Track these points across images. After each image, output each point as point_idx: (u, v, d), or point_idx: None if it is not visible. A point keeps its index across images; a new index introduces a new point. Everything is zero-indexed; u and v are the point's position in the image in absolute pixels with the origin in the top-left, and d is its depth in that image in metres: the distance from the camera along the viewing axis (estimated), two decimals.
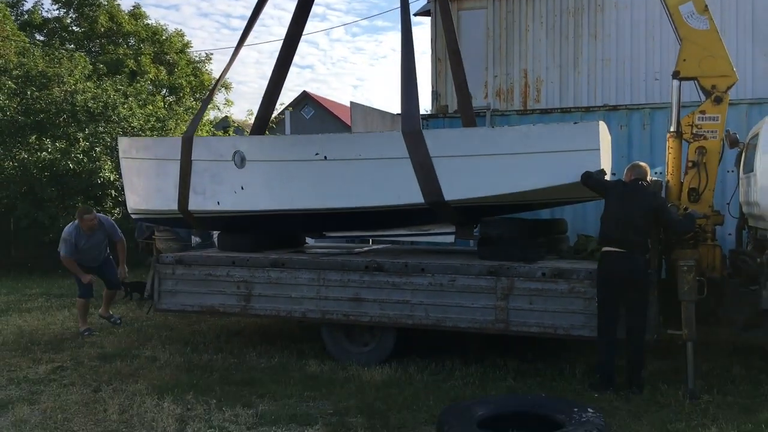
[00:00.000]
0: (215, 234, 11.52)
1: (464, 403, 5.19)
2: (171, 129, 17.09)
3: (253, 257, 7.69)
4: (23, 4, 24.61)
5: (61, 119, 15.46)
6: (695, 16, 6.85)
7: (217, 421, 5.60)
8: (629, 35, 11.53)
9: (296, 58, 7.77)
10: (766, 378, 6.44)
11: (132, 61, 23.13)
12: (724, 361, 7.06)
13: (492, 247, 7.12)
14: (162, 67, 24.11)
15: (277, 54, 8.49)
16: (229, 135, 21.16)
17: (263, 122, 8.82)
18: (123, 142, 8.91)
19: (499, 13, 12.07)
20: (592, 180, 6.39)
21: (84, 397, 6.29)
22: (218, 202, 7.89)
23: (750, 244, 7.46)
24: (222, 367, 7.22)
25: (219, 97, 24.79)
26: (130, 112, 16.15)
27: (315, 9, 8.49)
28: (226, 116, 26.59)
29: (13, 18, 22.72)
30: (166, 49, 24.84)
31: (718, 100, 6.79)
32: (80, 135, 14.96)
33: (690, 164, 6.82)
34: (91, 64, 19.28)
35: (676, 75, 6.96)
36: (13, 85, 15.79)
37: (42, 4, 23.83)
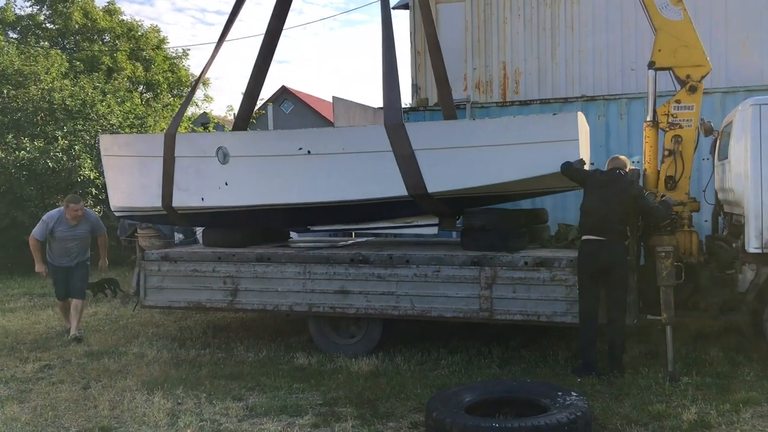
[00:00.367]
0: (198, 230, 11.57)
1: (451, 390, 5.28)
2: (150, 126, 17.01)
3: (239, 252, 7.74)
4: None
5: (38, 118, 15.35)
6: (669, 8, 7.02)
7: (208, 415, 5.66)
8: (605, 26, 11.69)
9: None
10: (743, 360, 6.62)
11: (108, 57, 22.92)
12: (701, 344, 7.25)
13: (475, 238, 7.23)
14: (138, 64, 23.90)
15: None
16: (208, 131, 21.09)
17: (245, 118, 8.84)
18: (104, 140, 8.89)
19: (477, 5, 12.16)
20: (572, 170, 6.52)
21: (73, 394, 6.32)
22: (202, 198, 7.92)
23: (726, 229, 7.66)
24: (210, 362, 7.28)
25: (198, 93, 24.66)
26: (109, 109, 16.06)
27: (293, 3, 8.50)
28: (205, 112, 26.48)
29: None
30: (142, 46, 24.63)
31: (693, 90, 6.96)
32: (59, 133, 14.86)
33: (666, 152, 7.00)
34: (67, 61, 19.09)
35: (651, 65, 7.12)
36: None
37: (15, 1, 23.52)
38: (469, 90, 12.10)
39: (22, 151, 14.31)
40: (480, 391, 5.25)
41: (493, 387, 5.40)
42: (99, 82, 17.15)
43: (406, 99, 14.15)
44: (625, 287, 6.38)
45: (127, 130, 16.10)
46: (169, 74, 24.86)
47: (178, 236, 12.17)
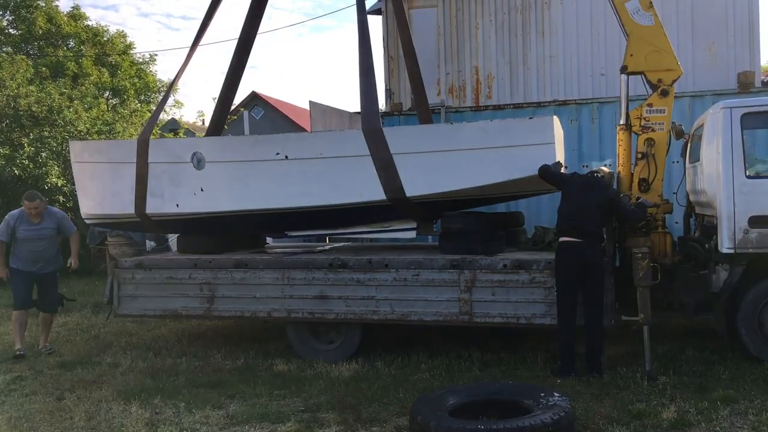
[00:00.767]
0: (170, 237, 11.42)
1: (435, 393, 5.28)
2: (119, 132, 16.77)
3: (216, 258, 7.67)
4: None
5: (4, 124, 15.06)
6: (641, 13, 7.12)
7: (187, 424, 5.57)
8: (575, 32, 11.85)
9: None
10: (718, 358, 6.73)
11: (73, 63, 22.54)
12: (677, 343, 7.36)
13: (453, 241, 7.26)
14: (104, 69, 23.55)
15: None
16: (178, 137, 20.83)
17: (219, 123, 8.77)
18: (75, 146, 8.75)
19: (449, 11, 12.24)
20: (549, 173, 6.59)
21: (48, 405, 6.18)
22: (177, 205, 7.83)
23: (697, 231, 7.79)
24: (187, 370, 7.18)
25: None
26: (76, 115, 15.80)
27: None
28: (174, 118, 26.17)
29: None
30: (108, 51, 24.28)
31: (665, 93, 7.07)
32: (25, 140, 14.60)
33: (639, 155, 7.09)
34: (32, 67, 18.74)
35: (623, 70, 7.22)
36: None
37: None
38: (443, 94, 12.17)
39: None
40: (463, 393, 5.27)
41: (477, 389, 5.42)
42: (66, 88, 16.86)
43: (380, 104, 14.17)
44: (603, 288, 6.45)
45: (95, 136, 15.84)
46: (136, 80, 24.54)
47: (150, 244, 12.01)
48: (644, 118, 7.09)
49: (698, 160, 7.20)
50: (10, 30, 23.64)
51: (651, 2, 7.05)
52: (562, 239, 6.51)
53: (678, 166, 8.95)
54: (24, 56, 20.05)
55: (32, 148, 14.49)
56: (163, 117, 25.17)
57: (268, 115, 31.47)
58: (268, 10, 8.56)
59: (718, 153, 6.53)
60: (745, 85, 9.95)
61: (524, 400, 5.02)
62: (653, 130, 7.08)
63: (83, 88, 18.04)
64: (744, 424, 5.09)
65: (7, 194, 14.35)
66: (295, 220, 7.64)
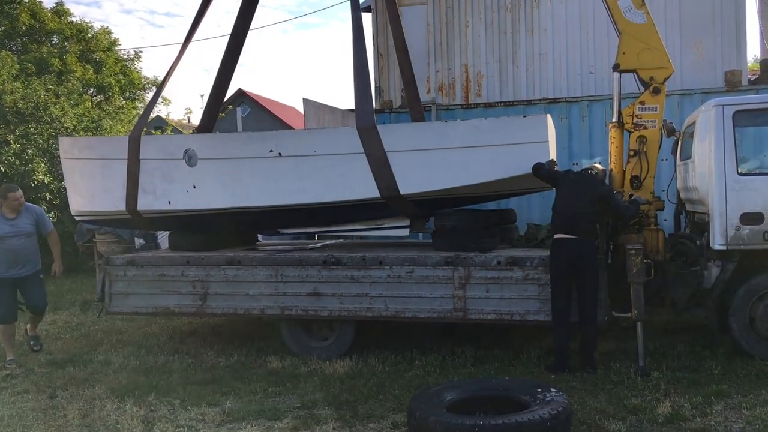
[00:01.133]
0: (160, 235, 11.34)
1: (432, 389, 5.29)
2: (107, 129, 16.63)
3: (209, 256, 7.63)
4: None
5: None
6: (633, 11, 7.17)
7: (184, 421, 5.55)
8: (564, 30, 11.87)
9: None
10: (709, 354, 6.80)
11: (57, 60, 22.33)
12: (669, 339, 7.42)
13: (447, 238, 7.27)
14: (89, 66, 23.36)
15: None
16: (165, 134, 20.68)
17: (211, 120, 8.72)
18: (64, 142, 8.66)
19: (439, 8, 12.23)
20: (543, 171, 6.63)
21: (40, 403, 6.14)
22: (169, 202, 7.78)
23: (688, 228, 7.87)
24: (180, 368, 7.14)
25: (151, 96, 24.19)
26: (63, 112, 15.65)
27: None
28: (159, 116, 26.01)
29: None
30: (92, 47, 24.07)
31: (656, 91, 7.13)
32: (11, 137, 14.43)
33: (632, 153, 7.15)
34: (18, 63, 18.54)
35: (616, 67, 7.26)
36: None
37: None
38: (433, 92, 12.16)
39: None
40: (460, 389, 5.26)
41: (474, 385, 5.41)
42: (51, 85, 16.70)
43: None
44: (596, 285, 6.50)
45: (81, 133, 15.72)
46: (121, 77, 24.36)
47: (139, 241, 11.93)
48: (636, 116, 7.14)
49: (690, 158, 7.26)
50: None
51: (643, 0, 7.10)
52: (556, 236, 6.54)
53: (666, 164, 9.02)
54: (9, 52, 19.82)
55: (18, 145, 14.35)
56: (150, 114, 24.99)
57: (255, 113, 31.33)
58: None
59: (710, 150, 6.59)
60: (733, 83, 10.06)
61: (521, 395, 5.04)
62: (645, 128, 7.13)
63: (69, 84, 17.86)
64: (738, 419, 5.14)
65: None
66: (289, 217, 7.61)
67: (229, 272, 7.48)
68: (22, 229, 7.58)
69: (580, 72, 11.78)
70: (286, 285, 7.30)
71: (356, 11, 7.23)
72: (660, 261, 6.89)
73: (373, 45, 12.43)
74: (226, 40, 8.40)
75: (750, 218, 6.42)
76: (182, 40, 8.32)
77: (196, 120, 33.82)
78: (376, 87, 12.27)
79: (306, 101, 9.80)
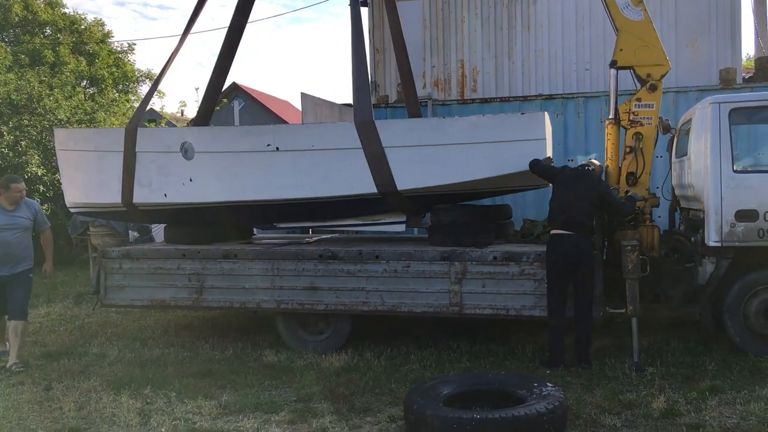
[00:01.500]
0: (154, 228, 11.33)
1: (429, 383, 5.31)
2: (101, 121, 16.56)
3: (205, 249, 7.62)
4: None
5: None
6: (630, 8, 7.20)
7: (180, 413, 5.55)
8: (560, 26, 11.91)
9: None
10: (703, 350, 6.85)
11: (50, 51, 22.18)
12: (663, 335, 7.47)
13: (443, 234, 7.28)
14: (82, 58, 23.21)
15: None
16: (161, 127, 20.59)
17: (207, 113, 8.69)
18: (60, 134, 8.62)
19: (435, 4, 12.25)
20: (540, 167, 6.65)
21: (36, 395, 6.13)
22: (165, 195, 7.77)
23: (683, 224, 7.91)
24: (176, 361, 7.14)
25: (146, 89, 24.08)
26: (56, 104, 15.57)
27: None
28: (153, 109, 25.87)
29: None
30: (85, 39, 23.91)
31: (653, 88, 7.16)
32: (4, 129, 14.36)
33: (628, 149, 7.18)
34: (11, 54, 18.42)
35: (613, 64, 7.29)
36: None
37: None
38: (428, 87, 12.18)
39: None
40: (457, 383, 5.30)
41: (470, 379, 5.46)
42: (45, 76, 16.60)
43: None
44: (592, 281, 6.52)
45: (75, 125, 15.64)
46: (114, 69, 24.22)
47: (133, 234, 11.92)
48: (633, 113, 7.18)
49: (685, 155, 7.29)
50: None
51: None
52: (553, 231, 6.56)
53: (661, 161, 9.05)
54: (2, 43, 19.69)
55: (12, 137, 14.28)
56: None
57: (248, 107, 31.21)
58: None
59: (706, 147, 6.62)
60: (727, 81, 10.10)
61: (518, 390, 5.08)
62: (641, 125, 7.17)
63: (63, 76, 17.76)
64: (732, 414, 5.18)
65: None
66: (285, 211, 7.62)
67: (225, 266, 7.47)
68: (19, 223, 7.26)
69: (576, 68, 11.83)
70: (283, 279, 7.30)
71: (355, 6, 7.23)
72: (655, 257, 6.93)
73: (370, 40, 12.42)
74: (221, 34, 8.40)
75: (745, 215, 6.46)
76: (176, 32, 8.36)
77: (190, 113, 33.74)
78: (372, 82, 12.27)
79: (304, 96, 9.79)
